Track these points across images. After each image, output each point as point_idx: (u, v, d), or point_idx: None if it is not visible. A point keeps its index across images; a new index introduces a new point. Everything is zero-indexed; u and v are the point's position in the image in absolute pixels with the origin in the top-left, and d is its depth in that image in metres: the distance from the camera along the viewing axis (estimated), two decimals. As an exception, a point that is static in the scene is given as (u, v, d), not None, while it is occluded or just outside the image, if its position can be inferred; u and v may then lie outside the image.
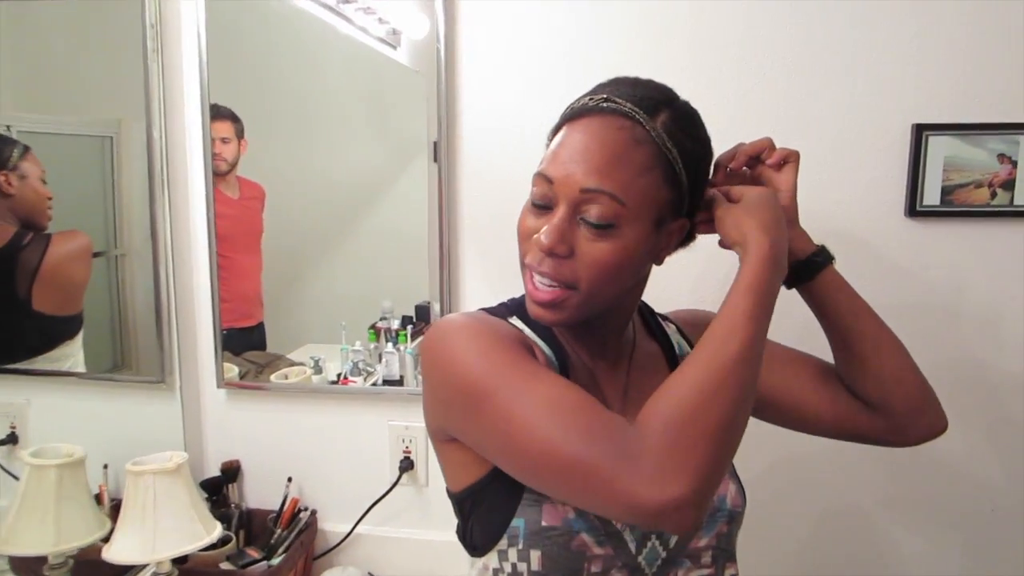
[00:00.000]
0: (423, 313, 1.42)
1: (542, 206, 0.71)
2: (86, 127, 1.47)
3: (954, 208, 1.20)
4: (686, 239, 0.78)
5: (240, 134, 1.42)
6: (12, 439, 1.37)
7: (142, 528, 1.11)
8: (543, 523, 0.72)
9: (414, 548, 1.39)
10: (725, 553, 0.81)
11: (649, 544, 0.75)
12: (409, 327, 1.42)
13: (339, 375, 1.42)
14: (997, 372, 1.23)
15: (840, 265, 1.10)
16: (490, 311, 0.81)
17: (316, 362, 1.45)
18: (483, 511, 0.76)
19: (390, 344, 1.41)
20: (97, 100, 1.47)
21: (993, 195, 1.19)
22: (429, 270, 1.37)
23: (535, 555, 0.73)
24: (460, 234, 1.34)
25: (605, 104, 0.70)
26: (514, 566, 0.74)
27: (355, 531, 1.40)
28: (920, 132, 1.18)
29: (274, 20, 1.39)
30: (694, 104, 0.75)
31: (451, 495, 0.80)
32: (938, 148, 1.18)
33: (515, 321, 0.79)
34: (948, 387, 0.90)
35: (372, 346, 1.42)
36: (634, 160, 0.69)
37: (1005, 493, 1.27)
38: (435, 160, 1.33)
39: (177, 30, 1.36)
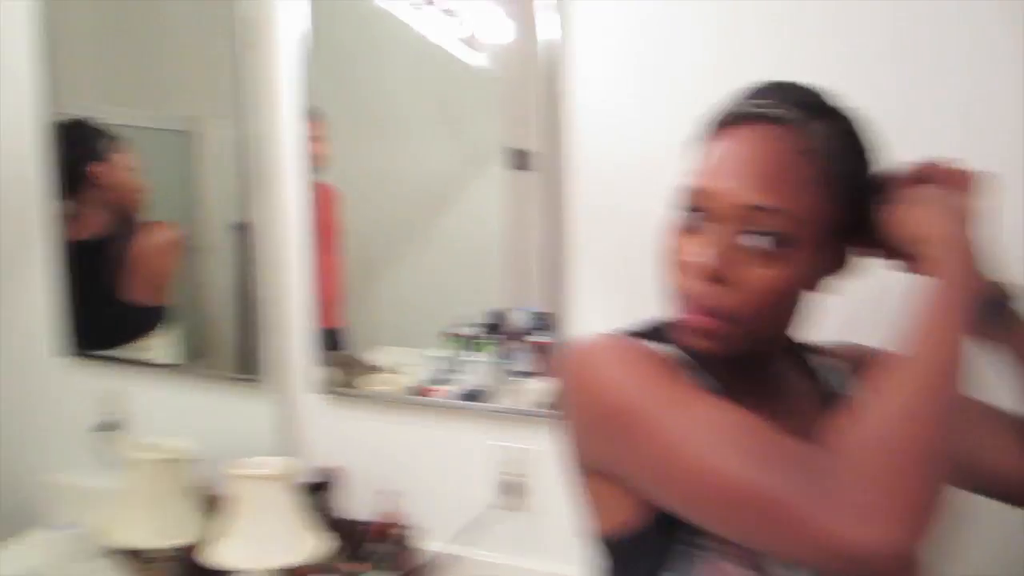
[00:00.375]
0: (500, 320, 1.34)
1: (692, 217, 0.64)
2: (167, 122, 1.49)
3: None
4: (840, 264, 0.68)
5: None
6: (111, 426, 1.38)
7: (246, 534, 1.07)
8: None
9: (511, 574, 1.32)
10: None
11: None
12: (495, 334, 1.35)
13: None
14: None
15: None
16: (628, 332, 0.72)
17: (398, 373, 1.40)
18: (634, 560, 0.68)
19: (471, 352, 1.35)
20: (180, 95, 1.48)
21: None
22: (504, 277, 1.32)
23: None
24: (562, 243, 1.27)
25: (766, 110, 0.63)
26: None
27: (452, 552, 1.33)
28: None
29: (355, 20, 1.36)
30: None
31: (598, 540, 0.72)
32: None
33: (655, 345, 0.70)
34: None
35: (454, 354, 1.36)
36: (801, 174, 0.61)
37: None
38: (515, 167, 1.27)
39: (270, 29, 1.34)
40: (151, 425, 1.37)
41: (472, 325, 1.37)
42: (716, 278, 0.62)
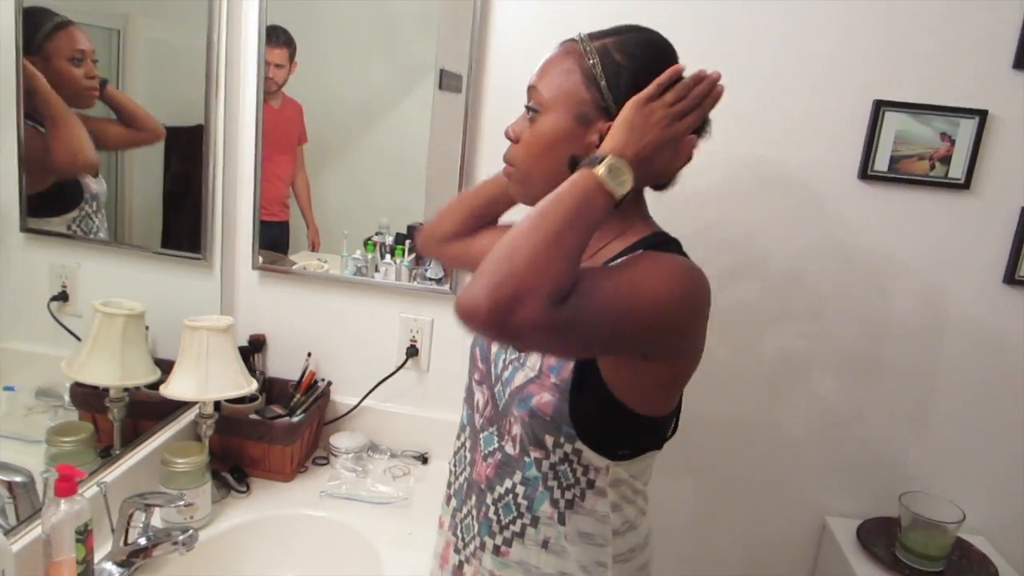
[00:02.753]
0: (415, 232, 1.60)
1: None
2: (94, 18, 1.54)
3: (899, 175, 1.42)
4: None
5: (291, 58, 1.58)
6: (63, 296, 1.55)
7: (195, 373, 1.32)
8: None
9: (412, 423, 1.63)
10: (528, 437, 0.93)
11: (498, 386, 0.97)
12: (407, 243, 1.61)
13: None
14: (918, 315, 1.49)
15: (800, 215, 1.34)
16: None
17: (323, 264, 1.65)
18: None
19: (388, 256, 1.61)
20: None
21: (932, 167, 1.41)
22: (427, 191, 1.58)
23: None
24: (479, 158, 1.53)
25: (564, 40, 0.93)
26: None
27: (363, 404, 1.63)
28: (879, 107, 1.39)
29: None
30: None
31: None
32: (892, 123, 1.40)
33: None
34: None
35: (369, 256, 1.62)
36: (558, 64, 0.91)
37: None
38: (440, 87, 1.52)
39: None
40: (108, 297, 1.57)
41: (387, 234, 1.61)
42: (508, 137, 0.95)
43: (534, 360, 0.92)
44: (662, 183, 0.98)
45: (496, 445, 0.97)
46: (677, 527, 1.64)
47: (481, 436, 1.00)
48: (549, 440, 0.92)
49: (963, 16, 1.35)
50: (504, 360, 0.97)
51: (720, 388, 1.54)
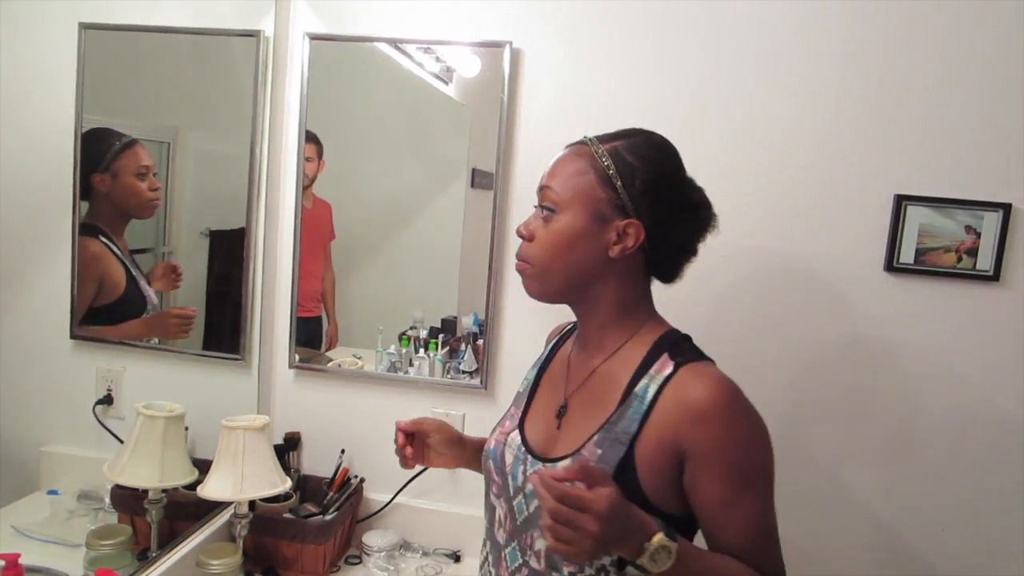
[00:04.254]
0: (449, 326, 1.65)
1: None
2: (147, 132, 1.62)
3: (926, 267, 1.42)
4: (661, 258, 0.97)
5: (320, 155, 1.68)
6: (108, 400, 1.60)
7: (232, 473, 1.35)
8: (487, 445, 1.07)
9: (443, 520, 1.62)
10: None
11: (518, 498, 0.97)
12: (440, 336, 1.64)
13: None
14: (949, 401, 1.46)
15: (826, 310, 1.34)
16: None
17: (358, 359, 1.69)
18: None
19: (421, 351, 1.64)
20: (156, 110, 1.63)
21: (959, 259, 1.41)
22: (460, 285, 1.63)
23: None
24: (506, 253, 1.58)
25: (572, 143, 0.98)
26: None
27: (395, 500, 1.63)
28: (900, 201, 1.41)
29: (346, 59, 1.63)
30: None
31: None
32: (915, 216, 1.41)
33: (568, 326, 1.11)
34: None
35: (403, 351, 1.65)
36: (570, 165, 0.95)
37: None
38: (472, 185, 1.59)
39: (284, 68, 1.62)
40: (146, 398, 1.62)
41: (421, 327, 1.66)
42: (521, 235, 0.98)
43: None
44: (670, 277, 1.01)
45: (520, 561, 0.97)
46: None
47: (505, 552, 0.99)
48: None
49: (982, 111, 1.38)
50: (524, 474, 0.97)
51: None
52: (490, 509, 1.04)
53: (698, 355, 0.95)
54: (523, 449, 0.99)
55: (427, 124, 1.68)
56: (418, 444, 1.13)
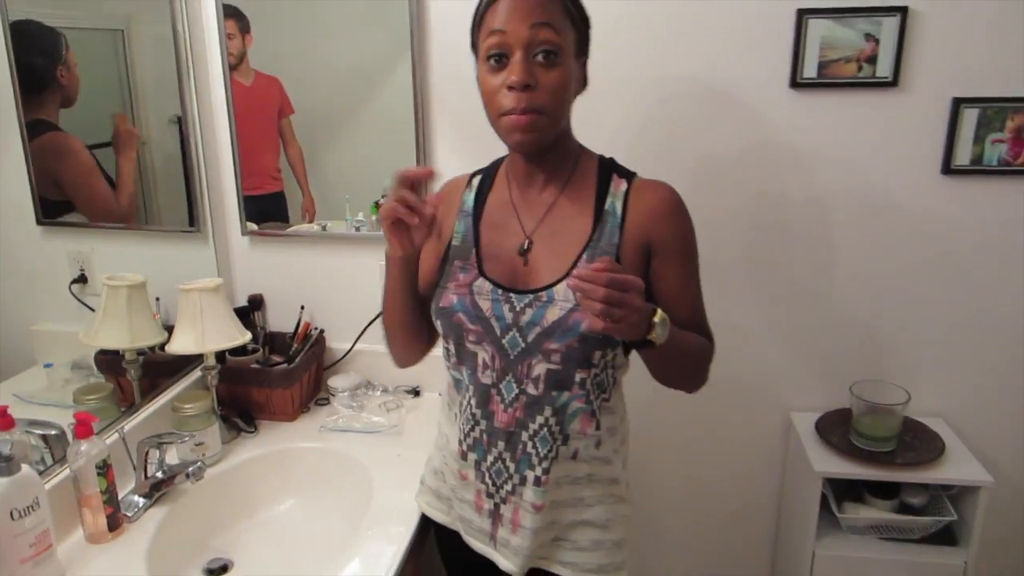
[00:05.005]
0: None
1: (498, 56, 0.97)
2: (100, 21, 1.70)
3: (829, 80, 1.47)
4: (584, 83, 1.07)
5: (244, 30, 1.69)
6: (83, 279, 1.73)
7: (193, 330, 1.49)
8: (440, 304, 1.10)
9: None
10: (576, 361, 1.04)
11: (511, 334, 1.06)
12: None
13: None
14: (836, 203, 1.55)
15: (734, 129, 1.39)
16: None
17: (323, 227, 1.77)
18: None
19: None
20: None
21: (860, 68, 1.45)
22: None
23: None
24: (433, 115, 1.63)
25: None
26: None
27: (356, 347, 1.79)
28: (801, 15, 1.43)
29: None
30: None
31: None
32: (816, 29, 1.44)
33: (476, 177, 1.16)
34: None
35: (373, 218, 1.73)
36: (554, 7, 0.98)
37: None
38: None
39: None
40: (117, 272, 1.75)
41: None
42: (528, 86, 0.95)
43: (565, 291, 1.02)
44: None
45: (517, 391, 1.07)
46: (654, 428, 1.77)
47: (499, 387, 1.08)
48: (598, 355, 1.05)
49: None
50: (514, 310, 1.05)
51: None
52: (470, 357, 1.10)
53: (631, 171, 1.11)
54: (499, 291, 1.07)
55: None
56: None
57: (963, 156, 1.46)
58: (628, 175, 1.10)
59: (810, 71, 1.46)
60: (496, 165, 1.18)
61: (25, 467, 1.11)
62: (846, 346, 1.63)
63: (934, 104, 1.45)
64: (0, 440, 1.11)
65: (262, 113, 1.75)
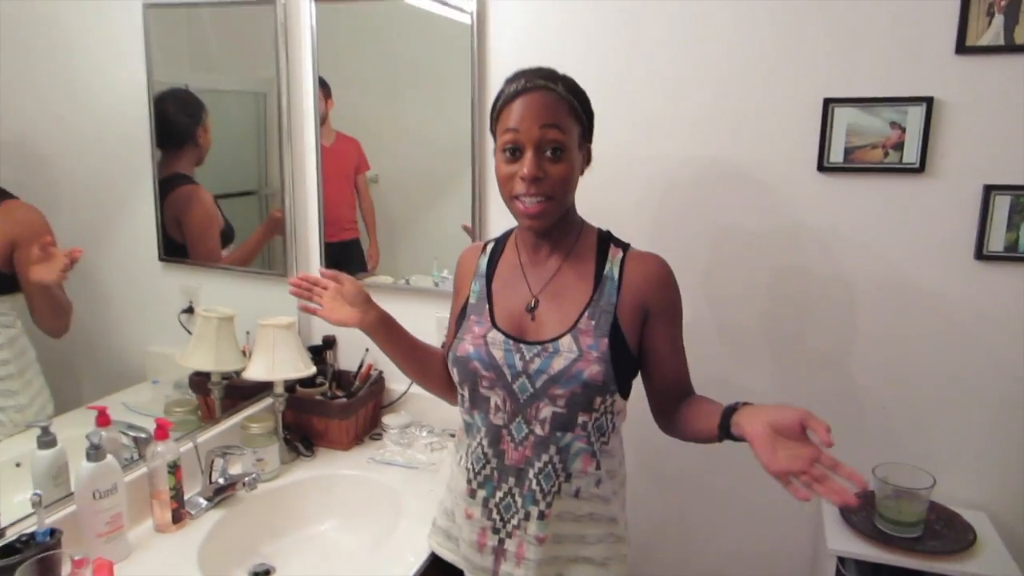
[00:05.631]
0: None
1: (512, 150, 1.15)
2: (245, 84, 2.01)
3: (854, 165, 1.53)
4: (588, 162, 1.24)
5: (327, 95, 1.97)
6: (190, 310, 2.02)
7: (266, 360, 1.72)
8: (457, 353, 1.24)
9: (448, 407, 1.92)
10: (579, 405, 1.17)
11: (520, 380, 1.19)
12: None
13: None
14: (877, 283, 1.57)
15: (763, 207, 1.52)
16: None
17: (407, 280, 1.99)
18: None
19: None
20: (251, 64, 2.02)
21: (886, 154, 1.51)
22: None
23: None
24: (488, 181, 1.83)
25: (533, 84, 1.15)
26: None
27: (410, 391, 1.96)
28: (827, 104, 1.52)
29: (361, 14, 1.93)
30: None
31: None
32: (843, 116, 1.52)
33: (489, 244, 1.33)
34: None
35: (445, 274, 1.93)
36: (560, 109, 1.15)
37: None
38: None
39: (297, 25, 1.94)
40: (216, 306, 2.03)
41: None
42: (539, 179, 1.13)
43: (569, 344, 1.17)
44: None
45: (526, 431, 1.20)
46: (686, 501, 1.80)
47: (510, 428, 1.21)
48: (598, 400, 1.17)
49: (901, 7, 1.45)
50: (523, 359, 1.19)
51: (717, 376, 1.70)
52: (483, 401, 1.22)
53: (626, 242, 1.27)
54: (511, 341, 1.21)
55: (431, 55, 1.91)
56: (331, 293, 1.34)
57: (996, 242, 1.47)
58: (623, 246, 1.25)
59: (836, 156, 1.53)
60: (508, 234, 1.34)
61: (110, 457, 1.35)
62: (871, 426, 1.61)
63: (964, 190, 1.47)
64: (92, 432, 1.35)
65: (341, 169, 2.02)
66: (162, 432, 1.47)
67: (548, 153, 1.13)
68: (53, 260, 1.39)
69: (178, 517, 1.48)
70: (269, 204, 2.07)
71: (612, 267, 1.22)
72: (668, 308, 1.22)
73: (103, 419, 1.45)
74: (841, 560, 1.47)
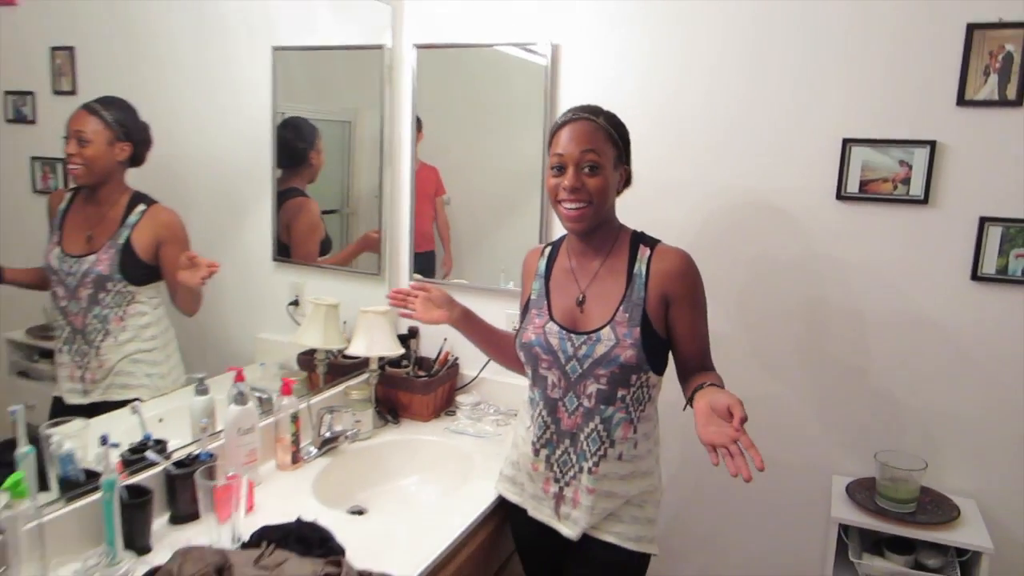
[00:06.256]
0: None
1: (559, 167, 1.47)
2: (334, 114, 2.37)
3: (868, 195, 1.80)
4: (628, 182, 1.54)
5: (419, 129, 2.34)
6: (296, 303, 2.38)
7: (365, 340, 2.07)
8: (522, 340, 1.56)
9: (515, 390, 2.24)
10: (618, 382, 1.47)
11: (571, 363, 1.50)
12: None
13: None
14: (886, 306, 1.83)
15: (788, 231, 1.79)
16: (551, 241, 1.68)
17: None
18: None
19: None
20: (340, 96, 2.40)
21: (895, 187, 1.78)
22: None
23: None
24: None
25: (578, 116, 1.47)
26: None
27: (481, 376, 2.30)
28: (846, 143, 1.80)
29: (453, 59, 2.29)
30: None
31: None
32: (859, 154, 1.80)
33: (547, 248, 1.65)
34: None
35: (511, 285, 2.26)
36: (598, 135, 1.45)
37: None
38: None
39: (400, 67, 2.32)
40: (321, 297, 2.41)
41: None
42: (577, 189, 1.44)
43: (608, 334, 1.46)
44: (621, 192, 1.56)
45: (577, 403, 1.52)
46: (711, 476, 2.08)
47: (563, 401, 1.53)
48: (634, 378, 1.47)
49: (911, 65, 1.73)
50: (573, 346, 1.49)
51: (744, 377, 1.99)
52: (541, 379, 1.54)
53: (656, 239, 1.54)
54: (564, 331, 1.51)
55: (509, 92, 2.26)
56: (422, 299, 1.68)
57: (989, 266, 1.72)
58: (652, 243, 1.53)
59: (853, 187, 1.81)
60: (561, 239, 1.66)
61: (251, 403, 1.71)
62: (883, 423, 1.87)
63: (962, 220, 1.73)
64: (239, 384, 1.72)
65: (423, 192, 2.39)
66: (287, 389, 1.84)
67: (586, 169, 1.43)
68: (197, 268, 1.67)
69: (295, 459, 1.83)
70: (349, 223, 2.44)
71: (640, 265, 1.49)
72: (686, 296, 1.47)
73: (239, 377, 1.81)
74: (844, 529, 1.73)
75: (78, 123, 1.53)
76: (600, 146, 1.45)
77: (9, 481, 1.25)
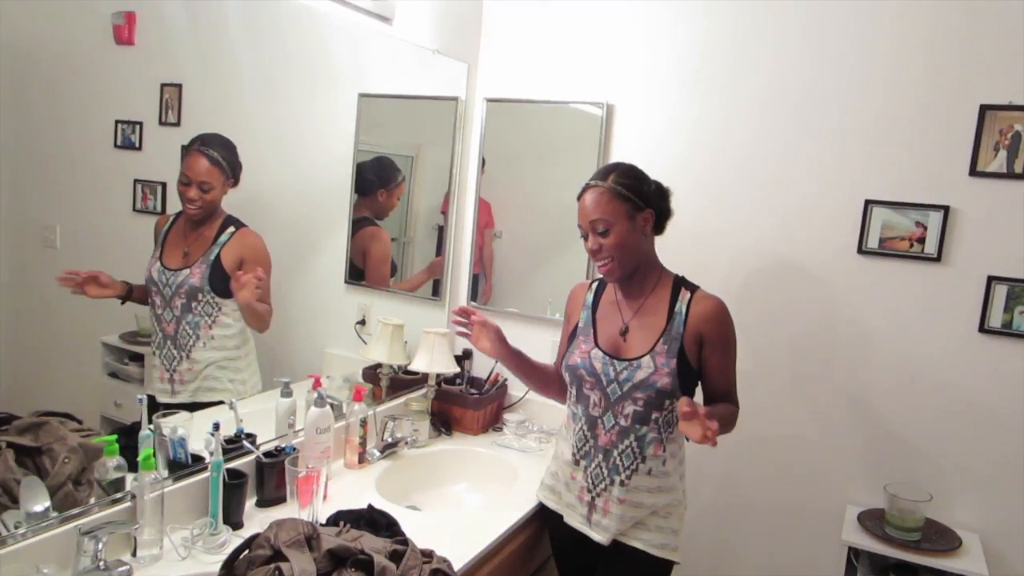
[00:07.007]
0: None
1: (584, 236, 1.71)
2: (398, 148, 2.61)
3: (886, 252, 2.00)
4: (659, 224, 1.74)
5: (481, 168, 2.61)
6: (363, 322, 2.65)
7: (426, 357, 2.32)
8: (568, 362, 1.79)
9: (558, 411, 2.46)
10: (653, 405, 1.67)
11: (612, 385, 1.72)
12: None
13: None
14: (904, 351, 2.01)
15: (814, 280, 2.00)
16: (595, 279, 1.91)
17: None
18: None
19: None
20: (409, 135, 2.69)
21: (911, 245, 1.97)
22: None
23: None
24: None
25: (589, 184, 1.70)
26: None
27: (527, 397, 2.53)
28: (867, 204, 2.00)
29: (509, 110, 2.57)
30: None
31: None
32: (879, 214, 2.00)
33: (595, 283, 1.87)
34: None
35: (556, 316, 2.47)
36: (603, 200, 1.65)
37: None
38: None
39: (471, 116, 2.60)
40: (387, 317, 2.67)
41: None
42: (596, 251, 1.69)
43: (648, 362, 1.67)
44: (663, 230, 1.78)
45: (614, 422, 1.73)
46: (731, 496, 2.26)
47: (602, 419, 1.74)
48: (667, 402, 1.67)
49: (929, 139, 1.93)
50: (615, 371, 1.70)
51: (769, 412, 2.18)
52: (584, 399, 1.73)
53: (696, 285, 1.75)
54: (607, 358, 1.72)
55: (565, 139, 2.52)
56: (479, 326, 1.88)
57: (996, 320, 1.89)
58: (692, 288, 1.74)
59: (872, 243, 2.01)
60: None
61: (328, 407, 1.97)
62: (895, 459, 2.04)
63: (971, 278, 1.92)
64: (319, 389, 1.98)
65: (476, 224, 2.65)
66: (358, 395, 2.09)
67: (600, 233, 1.66)
68: (244, 286, 1.82)
69: (361, 459, 2.08)
70: (406, 251, 2.68)
71: (681, 305, 1.70)
72: (718, 339, 1.68)
73: (317, 383, 2.08)
74: (854, 553, 1.90)
75: (199, 172, 1.73)
76: (606, 209, 1.65)
77: (142, 454, 1.52)
